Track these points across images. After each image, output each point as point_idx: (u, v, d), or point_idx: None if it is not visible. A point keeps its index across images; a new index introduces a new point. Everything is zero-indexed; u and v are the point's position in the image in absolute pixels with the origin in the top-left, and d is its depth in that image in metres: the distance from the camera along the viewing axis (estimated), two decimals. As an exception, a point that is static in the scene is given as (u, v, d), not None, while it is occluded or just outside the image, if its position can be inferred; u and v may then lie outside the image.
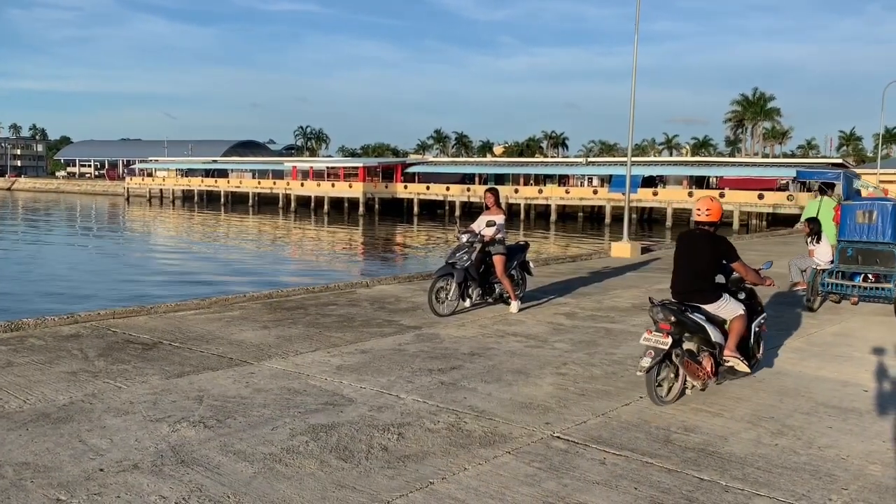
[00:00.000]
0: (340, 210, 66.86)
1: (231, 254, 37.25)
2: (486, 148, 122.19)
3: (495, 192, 9.85)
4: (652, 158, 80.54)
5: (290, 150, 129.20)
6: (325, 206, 67.86)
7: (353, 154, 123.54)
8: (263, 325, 8.41)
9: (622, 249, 17.21)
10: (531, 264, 10.23)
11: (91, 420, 5.07)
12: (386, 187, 68.38)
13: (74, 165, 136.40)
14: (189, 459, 4.41)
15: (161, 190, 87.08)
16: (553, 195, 59.55)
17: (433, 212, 65.69)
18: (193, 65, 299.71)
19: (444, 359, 7.00)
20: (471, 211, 64.15)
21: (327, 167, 75.47)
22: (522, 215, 59.97)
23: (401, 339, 7.87)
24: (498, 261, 9.38)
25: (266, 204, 75.12)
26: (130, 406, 5.39)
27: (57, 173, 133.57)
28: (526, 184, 64.52)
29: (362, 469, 4.32)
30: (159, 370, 6.38)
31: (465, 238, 9.35)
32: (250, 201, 75.64)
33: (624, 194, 19.47)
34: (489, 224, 9.34)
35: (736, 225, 49.92)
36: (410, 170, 70.96)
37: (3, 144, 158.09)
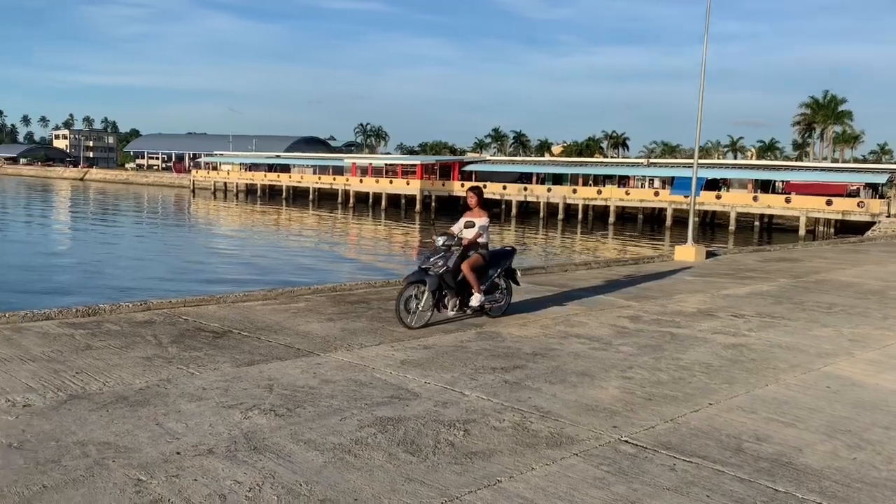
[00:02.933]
0: (397, 207, 67.43)
1: (291, 247, 37.95)
2: (544, 147, 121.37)
3: (478, 191, 8.92)
4: (716, 161, 78.71)
5: (350, 147, 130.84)
6: (383, 203, 68.50)
7: (411, 151, 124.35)
8: (328, 318, 8.54)
9: (686, 253, 16.87)
10: (518, 273, 9.26)
11: (167, 404, 5.24)
12: (443, 185, 68.62)
13: (143, 157, 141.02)
14: (261, 446, 4.51)
15: (225, 183, 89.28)
16: (612, 196, 58.76)
17: (489, 210, 65.57)
18: (256, 61, 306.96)
19: (506, 358, 6.99)
20: (527, 210, 63.98)
21: (386, 164, 76.15)
22: (580, 216, 59.40)
23: (462, 336, 7.88)
24: (471, 259, 8.39)
25: (325, 199, 76.30)
26: (203, 392, 5.55)
27: (126, 165, 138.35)
28: (585, 184, 63.82)
29: (430, 463, 4.35)
30: (230, 358, 6.55)
31: (441, 241, 8.26)
32: (310, 196, 76.92)
33: (686, 196, 19.09)
34: (468, 226, 8.46)
35: (802, 231, 48.42)
36: (468, 168, 71.05)
37: (77, 136, 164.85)
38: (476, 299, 8.47)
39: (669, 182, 58.60)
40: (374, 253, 37.90)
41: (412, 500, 3.86)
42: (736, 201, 53.20)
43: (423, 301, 8.07)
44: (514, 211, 62.19)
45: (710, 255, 17.87)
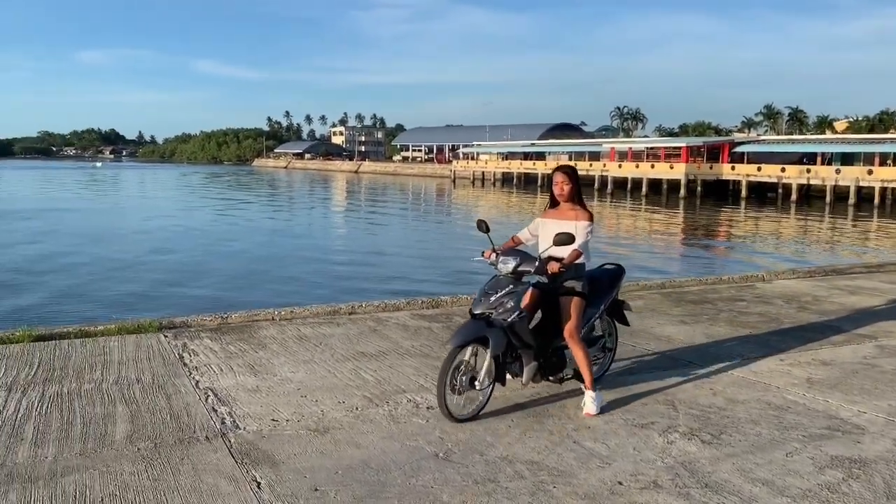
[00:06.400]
0: (658, 192, 64.35)
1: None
2: (824, 124, 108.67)
3: (572, 173, 5.08)
4: None
5: (603, 132, 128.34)
6: (643, 189, 65.78)
7: (670, 133, 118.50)
8: (680, 320, 7.73)
9: None
10: (627, 307, 5.58)
11: (570, 417, 4.79)
12: (710, 168, 64.22)
13: (407, 150, 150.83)
14: (710, 482, 3.84)
15: (483, 172, 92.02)
16: (920, 178, 50.66)
17: (763, 195, 60.07)
18: (509, 53, 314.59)
19: (941, 382, 5.66)
20: (808, 194, 57.49)
21: (646, 148, 73.18)
22: (877, 200, 52.04)
23: (860, 349, 6.63)
24: (574, 307, 4.82)
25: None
26: (603, 405, 5.03)
27: (393, 157, 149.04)
28: (882, 164, 55.83)
29: (953, 533, 3.38)
30: (605, 365, 6.01)
31: (508, 265, 4.76)
32: (566, 183, 76.41)
33: None
34: (559, 239, 4.65)
35: None
36: (739, 149, 65.68)
37: (350, 132, 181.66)
38: (591, 401, 4.83)
39: None
40: (650, 242, 36.27)
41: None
42: None
43: (481, 372, 4.62)
44: (793, 196, 56.26)
45: None
